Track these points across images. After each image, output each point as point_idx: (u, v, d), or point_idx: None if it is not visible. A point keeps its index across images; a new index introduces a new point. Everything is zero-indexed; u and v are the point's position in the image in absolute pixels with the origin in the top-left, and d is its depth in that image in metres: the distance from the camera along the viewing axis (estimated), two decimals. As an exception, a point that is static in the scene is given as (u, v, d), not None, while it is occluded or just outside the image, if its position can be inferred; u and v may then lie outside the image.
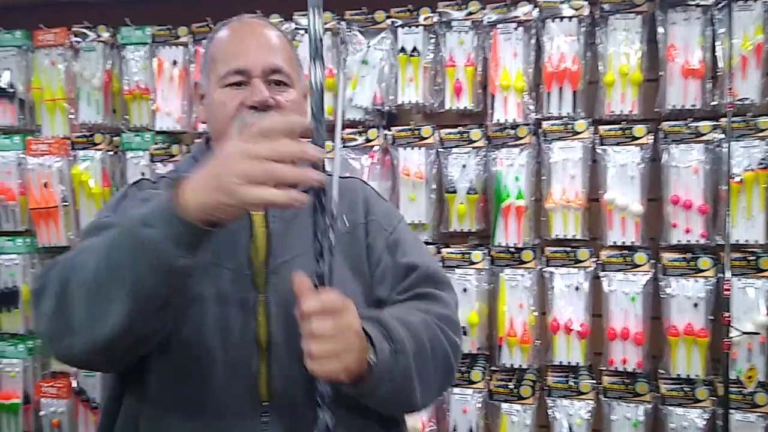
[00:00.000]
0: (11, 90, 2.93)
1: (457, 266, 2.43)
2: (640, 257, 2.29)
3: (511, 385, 2.39)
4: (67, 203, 2.87)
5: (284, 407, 1.17)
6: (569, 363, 2.36)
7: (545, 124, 2.37)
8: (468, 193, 2.44)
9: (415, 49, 2.45)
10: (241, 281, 1.19)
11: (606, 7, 2.32)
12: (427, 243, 2.51)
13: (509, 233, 2.40)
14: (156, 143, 2.77)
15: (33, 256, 2.96)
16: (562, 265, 2.36)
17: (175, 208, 0.97)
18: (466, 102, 2.43)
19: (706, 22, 2.26)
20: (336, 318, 1.02)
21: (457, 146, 2.45)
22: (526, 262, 2.40)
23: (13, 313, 2.93)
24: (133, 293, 1.00)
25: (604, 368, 2.34)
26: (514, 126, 2.39)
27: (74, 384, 2.84)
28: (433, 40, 2.48)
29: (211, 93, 1.31)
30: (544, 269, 2.39)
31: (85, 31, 2.83)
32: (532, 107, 2.39)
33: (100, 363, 1.16)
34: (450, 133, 2.45)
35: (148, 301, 1.02)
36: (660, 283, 2.28)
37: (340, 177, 1.15)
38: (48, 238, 2.88)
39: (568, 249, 2.37)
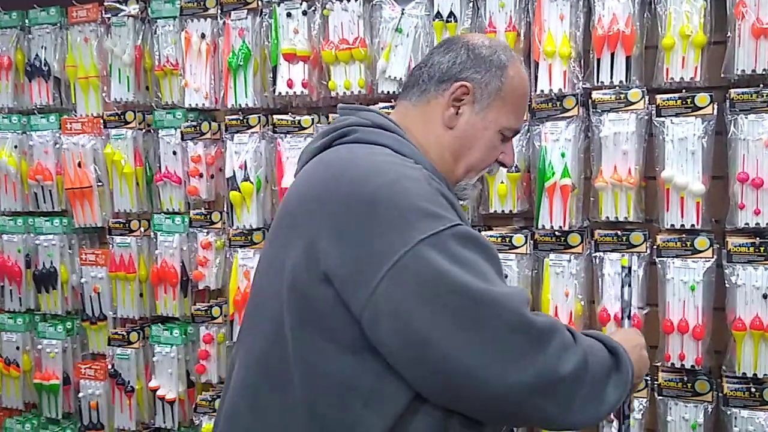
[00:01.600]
0: (46, 68, 2.89)
1: (497, 250, 2.24)
2: (701, 242, 2.05)
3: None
4: (101, 183, 2.83)
5: None
6: (620, 357, 2.14)
7: (595, 94, 2.13)
8: (509, 171, 2.24)
9: (451, 14, 2.25)
10: None
11: (665, -40, 2.06)
12: (466, 225, 2.34)
13: (554, 215, 2.19)
14: (188, 120, 2.67)
15: (70, 236, 2.96)
16: (613, 250, 2.14)
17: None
18: (507, 71, 2.22)
19: (782, -26, 1.97)
20: None
21: (497, 120, 2.24)
22: (572, 247, 2.19)
23: (51, 294, 2.92)
24: (609, 410, 1.19)
25: (659, 364, 2.12)
26: (560, 96, 2.17)
27: (109, 367, 2.80)
28: (471, 4, 2.27)
29: (487, 127, 1.35)
30: (592, 254, 2.17)
31: (116, 5, 2.75)
32: (580, 75, 2.16)
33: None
34: (490, 106, 2.25)
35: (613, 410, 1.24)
36: (724, 271, 2.03)
37: None
38: (84, 218, 2.85)
39: (620, 232, 2.14)
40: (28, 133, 2.95)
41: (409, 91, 1.39)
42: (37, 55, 2.92)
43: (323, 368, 1.15)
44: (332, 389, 1.15)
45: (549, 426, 1.16)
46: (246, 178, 2.50)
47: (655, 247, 2.10)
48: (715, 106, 2.03)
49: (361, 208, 1.13)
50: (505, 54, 1.36)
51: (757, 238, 2.00)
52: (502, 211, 2.28)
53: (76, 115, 2.86)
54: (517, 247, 2.23)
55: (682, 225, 2.07)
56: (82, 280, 2.87)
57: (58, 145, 2.88)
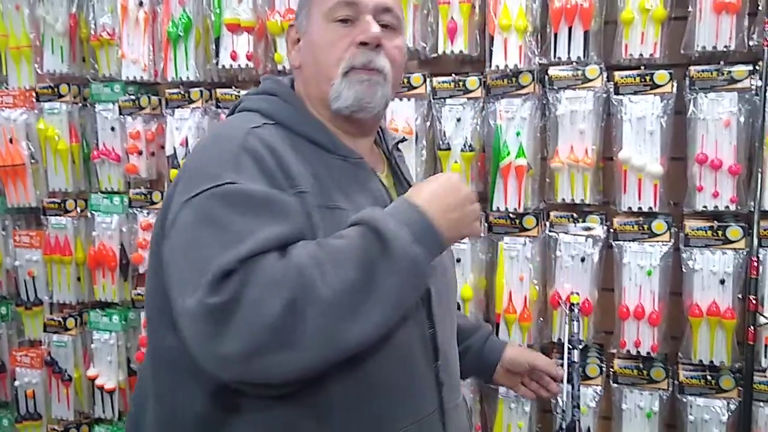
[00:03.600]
0: (-27, 37, 2.71)
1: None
2: (658, 225, 1.98)
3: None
4: (35, 161, 2.66)
5: (446, 359, 1.28)
6: (574, 344, 2.08)
7: (552, 71, 2.04)
8: (463, 151, 2.14)
9: (403, -15, 2.14)
10: None
11: (624, -71, 1.96)
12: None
13: (509, 196, 2.10)
14: (126, 94, 2.52)
15: (3, 217, 2.80)
16: (569, 233, 2.06)
17: (439, 235, 1.10)
18: (461, 45, 2.11)
19: (743, -55, 1.89)
20: None
21: (451, 96, 2.14)
22: (527, 230, 2.11)
23: (-17, 277, 2.77)
24: (393, 307, 1.05)
25: (614, 351, 2.06)
26: (516, 72, 2.07)
27: (46, 355, 2.66)
28: (423, -26, 2.16)
29: (314, 31, 1.26)
30: (549, 232, 2.08)
31: (48, -30, 2.57)
32: (536, 51, 2.06)
33: (298, 380, 1.07)
34: (443, 82, 2.15)
35: (400, 313, 1.09)
36: (682, 255, 1.96)
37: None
38: (17, 198, 2.69)
39: (576, 215, 2.06)
40: (-44, 106, 2.77)
41: None
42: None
43: (161, 334, 1.17)
44: (166, 357, 1.17)
45: (301, 371, 1.04)
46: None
47: (611, 230, 2.03)
48: (675, 84, 1.95)
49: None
50: None
51: (716, 222, 1.94)
52: (456, 192, 2.18)
53: (7, 88, 2.69)
54: (470, 230, 2.14)
55: (639, 207, 2.00)
56: (16, 263, 2.72)
57: (-12, 120, 2.71)
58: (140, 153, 2.48)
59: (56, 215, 2.62)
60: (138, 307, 2.52)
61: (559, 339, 2.05)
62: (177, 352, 1.11)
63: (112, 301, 2.59)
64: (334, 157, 1.23)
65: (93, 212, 2.58)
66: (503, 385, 1.76)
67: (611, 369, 2.06)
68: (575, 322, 1.68)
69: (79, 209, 2.62)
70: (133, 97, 2.49)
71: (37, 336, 2.75)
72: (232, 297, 0.97)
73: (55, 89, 2.59)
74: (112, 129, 2.55)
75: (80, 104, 2.63)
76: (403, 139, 1.53)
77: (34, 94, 2.62)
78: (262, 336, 0.97)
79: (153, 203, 2.50)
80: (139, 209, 2.51)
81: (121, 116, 2.50)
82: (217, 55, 2.35)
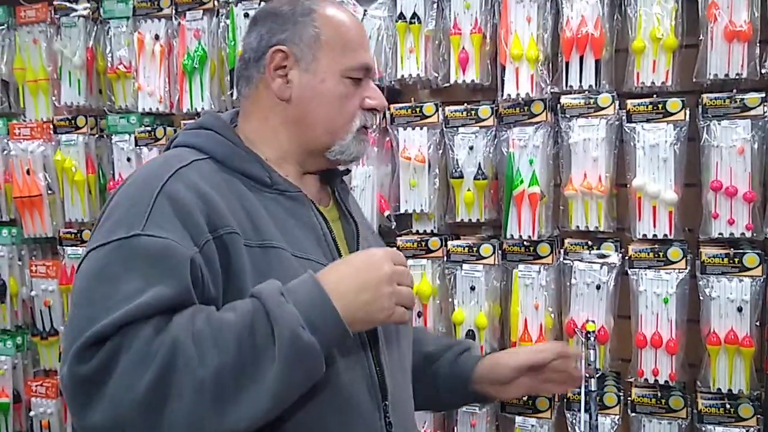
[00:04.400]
0: (-8, 70, 2.76)
1: (464, 261, 2.15)
2: (674, 252, 1.97)
3: (525, 396, 2.12)
4: (51, 191, 2.69)
5: (395, 399, 1.24)
6: (590, 372, 2.06)
7: (564, 99, 2.05)
8: (476, 179, 2.15)
9: (415, 15, 2.16)
10: None
11: (634, -40, 1.98)
12: (433, 234, 2.24)
13: (523, 224, 2.10)
14: (144, 125, 2.56)
15: (20, 247, 2.81)
16: (583, 260, 2.06)
17: (340, 320, 1.02)
18: (473, 75, 2.13)
19: (754, -25, 1.90)
20: None
21: (463, 125, 2.16)
22: (542, 257, 2.11)
23: (0, 307, 2.78)
24: (274, 396, 0.97)
25: (632, 379, 2.04)
26: (528, 101, 2.08)
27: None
28: (435, 5, 2.17)
29: (326, 80, 1.24)
30: (564, 260, 2.07)
31: (66, 5, 2.62)
32: (548, 79, 2.07)
33: None
34: (455, 111, 2.16)
35: (286, 401, 1.01)
36: (698, 283, 1.95)
37: None
38: (33, 228, 2.71)
39: (591, 242, 2.06)
40: (-26, 138, 2.81)
41: (239, 88, 1.32)
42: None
43: None
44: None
45: None
46: (202, 187, 2.38)
47: (627, 257, 2.02)
48: (687, 112, 1.95)
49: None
50: (316, 8, 1.26)
51: (732, 249, 1.93)
52: (470, 219, 2.19)
53: (24, 120, 2.73)
54: (484, 258, 2.14)
55: (654, 235, 1.99)
56: (33, 293, 2.74)
57: (5, 152, 2.74)
58: (156, 183, 2.50)
59: (72, 245, 2.64)
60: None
61: (575, 367, 2.04)
62: None
63: (127, 331, 2.60)
64: (270, 192, 1.21)
65: (109, 242, 2.59)
66: (502, 398, 1.68)
67: (629, 398, 2.04)
68: (591, 351, 1.67)
69: (95, 240, 2.63)
70: (149, 128, 2.52)
71: (52, 366, 2.76)
72: (101, 367, 0.94)
73: (72, 121, 2.63)
74: (128, 160, 2.58)
75: (97, 136, 2.66)
76: (347, 171, 1.47)
77: (51, 126, 2.66)
78: (127, 412, 0.94)
79: (168, 233, 2.51)
80: (154, 239, 2.53)
81: (137, 147, 2.53)
82: (231, 86, 2.38)
